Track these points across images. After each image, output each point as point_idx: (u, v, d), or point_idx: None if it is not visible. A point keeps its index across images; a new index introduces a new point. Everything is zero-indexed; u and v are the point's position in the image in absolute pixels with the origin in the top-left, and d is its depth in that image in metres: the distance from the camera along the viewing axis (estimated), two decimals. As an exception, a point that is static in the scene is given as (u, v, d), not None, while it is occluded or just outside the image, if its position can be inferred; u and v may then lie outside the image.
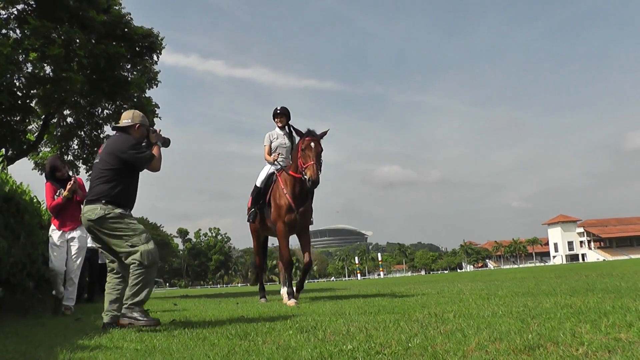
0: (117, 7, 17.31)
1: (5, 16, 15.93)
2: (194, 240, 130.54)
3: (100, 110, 19.74)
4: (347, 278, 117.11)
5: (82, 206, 5.06)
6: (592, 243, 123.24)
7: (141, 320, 4.68)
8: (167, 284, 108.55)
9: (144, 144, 5.21)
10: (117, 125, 5.27)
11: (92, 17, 15.90)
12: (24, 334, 4.82)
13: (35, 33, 15.08)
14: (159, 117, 19.45)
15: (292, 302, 7.44)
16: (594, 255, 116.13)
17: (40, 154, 20.34)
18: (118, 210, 4.89)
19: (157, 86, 19.33)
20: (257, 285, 10.68)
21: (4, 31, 15.86)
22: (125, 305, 4.75)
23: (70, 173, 8.14)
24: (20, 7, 16.25)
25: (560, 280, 10.48)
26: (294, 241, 8.42)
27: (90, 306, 9.56)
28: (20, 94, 16.66)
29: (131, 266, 4.80)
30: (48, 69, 16.31)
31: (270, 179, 8.26)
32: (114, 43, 16.77)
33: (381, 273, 69.67)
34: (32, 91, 16.55)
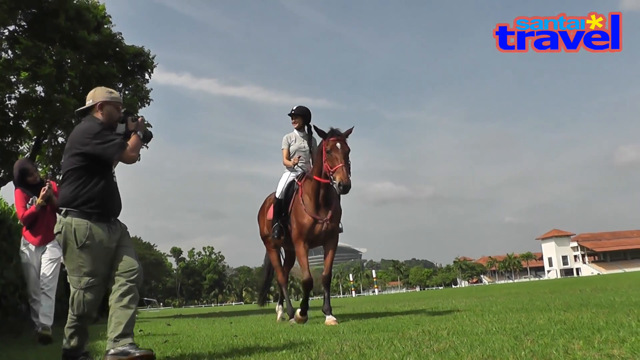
0: (107, 27, 17.39)
1: (-3, 36, 15.99)
2: (188, 259, 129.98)
3: (92, 130, 19.66)
4: (341, 295, 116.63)
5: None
6: (586, 257, 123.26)
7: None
8: (161, 304, 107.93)
9: (120, 132, 4.13)
10: (79, 109, 4.23)
11: (84, 37, 15.99)
12: (16, 358, 4.77)
13: (26, 53, 15.15)
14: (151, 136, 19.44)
15: (331, 319, 6.76)
16: (588, 270, 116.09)
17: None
18: (74, 229, 3.77)
19: (149, 104, 19.41)
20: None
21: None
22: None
23: (46, 177, 7.44)
24: (11, 27, 16.31)
25: (554, 296, 10.46)
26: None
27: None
28: (12, 115, 16.66)
29: None
30: (40, 90, 16.34)
31: (290, 189, 7.53)
32: (106, 63, 16.87)
33: (376, 290, 69.35)
34: (24, 112, 16.56)
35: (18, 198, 6.64)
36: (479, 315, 6.24)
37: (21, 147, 19.03)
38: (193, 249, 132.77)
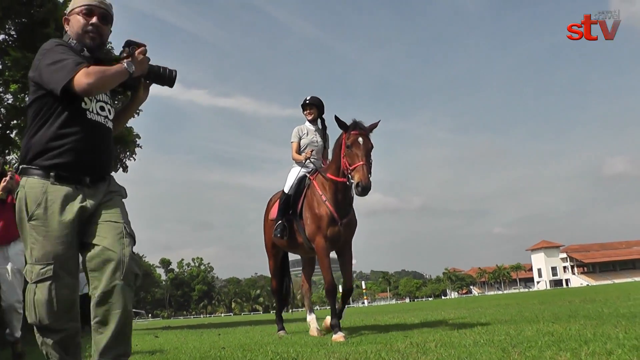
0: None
1: (-15, 48, 15.93)
2: (177, 270, 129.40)
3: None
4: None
5: None
6: (575, 268, 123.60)
7: None
8: (150, 315, 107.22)
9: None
10: None
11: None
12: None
13: (16, 64, 15.07)
14: (140, 147, 19.41)
15: (339, 336, 5.73)
16: (577, 281, 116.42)
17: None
18: (26, 193, 2.68)
19: (137, 115, 19.30)
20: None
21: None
22: None
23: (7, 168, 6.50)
24: (0, 38, 16.25)
25: (543, 307, 10.48)
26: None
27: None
28: (0, 125, 16.58)
29: None
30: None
31: (301, 184, 6.67)
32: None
33: (365, 301, 69.16)
34: (12, 122, 16.48)
35: None
36: (467, 326, 6.23)
37: (9, 157, 18.91)
38: (182, 260, 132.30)
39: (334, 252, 6.43)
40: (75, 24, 2.90)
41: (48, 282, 2.60)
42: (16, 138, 17.36)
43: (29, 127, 2.76)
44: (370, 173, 5.67)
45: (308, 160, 6.80)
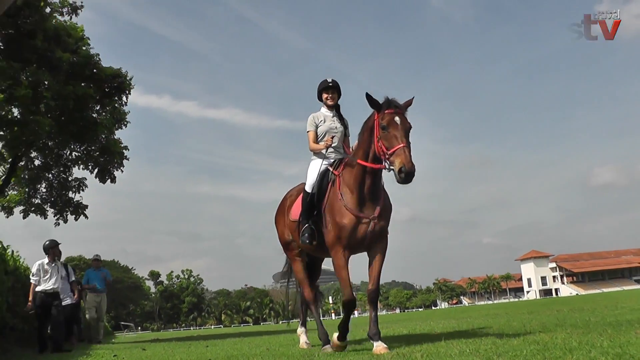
0: (85, 48, 17.32)
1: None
2: (166, 282, 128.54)
3: (68, 152, 19.56)
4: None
5: None
6: (564, 278, 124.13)
7: None
8: (139, 328, 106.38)
9: None
10: None
11: (60, 58, 15.87)
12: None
13: (2, 74, 15.00)
14: (127, 159, 19.30)
15: (381, 347, 5.08)
16: (567, 290, 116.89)
17: (8, 197, 19.99)
18: None
19: (126, 126, 19.30)
20: (298, 327, 7.67)
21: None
22: None
23: None
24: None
25: (531, 316, 10.51)
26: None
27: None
28: (-14, 137, 16.49)
29: None
30: (16, 111, 16.20)
31: (324, 179, 5.97)
32: (83, 84, 16.75)
33: (356, 312, 68.99)
34: (-1, 133, 16.40)
35: None
36: (454, 337, 6.24)
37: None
38: (172, 272, 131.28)
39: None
40: None
41: None
42: (3, 150, 17.27)
43: None
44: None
45: (329, 149, 6.19)
